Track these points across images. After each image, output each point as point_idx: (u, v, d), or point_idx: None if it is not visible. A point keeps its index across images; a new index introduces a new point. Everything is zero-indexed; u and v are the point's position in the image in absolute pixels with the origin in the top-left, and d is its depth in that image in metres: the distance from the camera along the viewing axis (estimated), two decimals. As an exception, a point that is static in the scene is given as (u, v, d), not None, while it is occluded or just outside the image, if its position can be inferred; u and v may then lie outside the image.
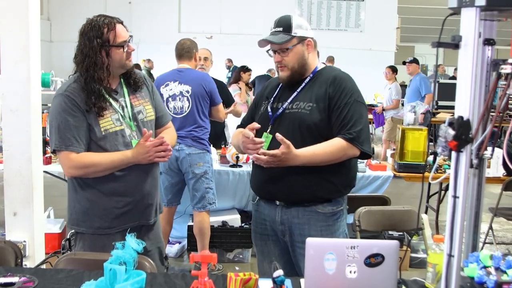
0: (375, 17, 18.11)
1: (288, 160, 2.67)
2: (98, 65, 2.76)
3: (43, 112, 4.62)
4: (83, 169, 2.80)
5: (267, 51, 2.95)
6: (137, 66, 9.15)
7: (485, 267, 2.00)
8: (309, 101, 2.83)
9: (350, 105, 2.78)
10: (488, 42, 1.78)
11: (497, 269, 1.99)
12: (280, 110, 2.89)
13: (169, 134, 3.09)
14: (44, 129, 5.60)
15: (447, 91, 10.10)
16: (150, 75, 13.76)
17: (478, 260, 2.02)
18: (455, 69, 16.58)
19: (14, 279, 2.10)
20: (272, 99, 2.97)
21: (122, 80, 2.95)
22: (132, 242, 2.18)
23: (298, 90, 2.90)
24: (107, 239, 2.83)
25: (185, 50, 4.87)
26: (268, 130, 2.88)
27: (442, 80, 13.06)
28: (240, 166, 5.27)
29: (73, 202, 2.97)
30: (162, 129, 3.11)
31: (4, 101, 3.74)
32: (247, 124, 2.96)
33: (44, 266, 3.64)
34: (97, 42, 2.75)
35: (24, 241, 3.77)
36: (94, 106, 2.76)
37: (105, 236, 2.87)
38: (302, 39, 2.86)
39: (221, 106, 5.06)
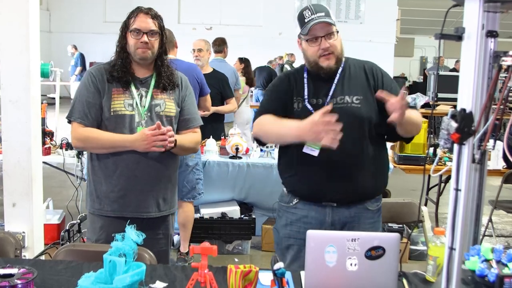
0: (375, 9, 18.08)
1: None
2: (120, 44, 3.00)
3: (42, 103, 4.60)
4: (83, 141, 2.97)
5: (307, 40, 2.72)
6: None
7: (486, 260, 1.99)
8: (355, 93, 2.72)
9: (397, 88, 2.73)
10: (491, 34, 1.76)
11: (499, 262, 1.99)
12: (322, 105, 2.68)
13: (190, 136, 3.13)
14: (43, 119, 5.61)
15: (447, 83, 10.06)
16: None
17: (479, 253, 2.01)
18: (457, 61, 16.53)
19: (13, 271, 2.09)
20: (306, 94, 2.77)
21: (155, 73, 3.06)
22: (132, 234, 2.17)
23: (335, 83, 2.74)
24: (105, 221, 3.00)
25: (169, 41, 4.87)
26: None
27: (442, 72, 13.01)
28: (240, 157, 5.25)
29: (87, 184, 3.15)
30: (188, 131, 3.14)
31: (4, 92, 3.73)
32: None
33: (43, 257, 3.65)
34: (122, 26, 3.00)
35: (23, 232, 3.77)
36: (119, 80, 2.95)
37: (103, 218, 3.01)
38: (337, 29, 2.73)
39: (208, 96, 5.14)
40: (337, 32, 2.73)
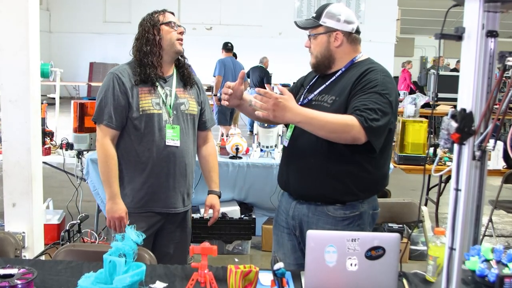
0: (375, 9, 18.09)
1: (285, 108, 2.39)
2: (150, 41, 3.01)
3: (42, 103, 4.60)
4: (99, 150, 3.04)
5: None
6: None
7: (486, 260, 1.99)
8: (333, 94, 2.66)
9: (369, 94, 2.52)
10: (491, 34, 1.76)
11: (499, 262, 1.99)
12: (306, 100, 2.77)
13: (215, 161, 3.46)
14: (43, 119, 5.60)
15: (447, 83, 10.07)
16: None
17: (480, 253, 2.01)
18: (458, 61, 16.52)
19: (13, 271, 2.09)
20: (307, 87, 2.86)
21: (175, 71, 3.17)
22: (132, 234, 2.17)
23: (327, 83, 2.74)
24: (132, 217, 3.03)
25: None
26: None
27: (442, 72, 13.00)
28: (240, 157, 5.24)
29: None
30: (204, 133, 3.35)
31: (3, 92, 3.72)
32: None
33: (43, 258, 3.65)
34: (149, 24, 3.03)
35: (23, 232, 3.76)
36: (148, 78, 3.00)
37: (130, 215, 3.04)
38: (329, 30, 2.69)
39: None
40: (326, 34, 2.72)
